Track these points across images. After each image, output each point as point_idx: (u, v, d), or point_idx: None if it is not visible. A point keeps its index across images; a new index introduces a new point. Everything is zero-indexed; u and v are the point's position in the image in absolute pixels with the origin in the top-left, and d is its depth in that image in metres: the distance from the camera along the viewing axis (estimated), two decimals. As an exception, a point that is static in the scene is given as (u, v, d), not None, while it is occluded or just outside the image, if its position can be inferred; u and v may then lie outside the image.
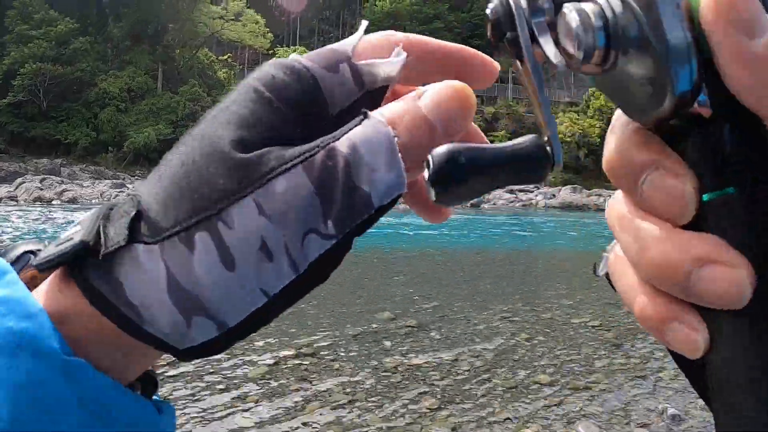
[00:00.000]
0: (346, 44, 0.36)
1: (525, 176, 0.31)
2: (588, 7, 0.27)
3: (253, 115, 0.32)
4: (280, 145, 0.32)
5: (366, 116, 0.32)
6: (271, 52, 54.21)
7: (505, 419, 3.91)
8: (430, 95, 0.33)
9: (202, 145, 0.32)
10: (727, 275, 0.25)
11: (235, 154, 0.31)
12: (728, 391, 0.26)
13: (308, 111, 0.33)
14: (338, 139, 0.31)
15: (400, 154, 0.31)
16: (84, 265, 0.31)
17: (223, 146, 0.31)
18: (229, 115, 0.32)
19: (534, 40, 0.29)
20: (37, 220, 16.91)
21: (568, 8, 0.27)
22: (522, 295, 7.66)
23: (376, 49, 0.36)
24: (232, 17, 55.40)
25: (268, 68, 0.34)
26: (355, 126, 0.32)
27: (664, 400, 4.21)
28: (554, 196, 32.22)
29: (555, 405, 4.15)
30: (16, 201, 23.68)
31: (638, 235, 0.28)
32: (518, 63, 0.30)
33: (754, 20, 0.23)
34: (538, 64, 0.29)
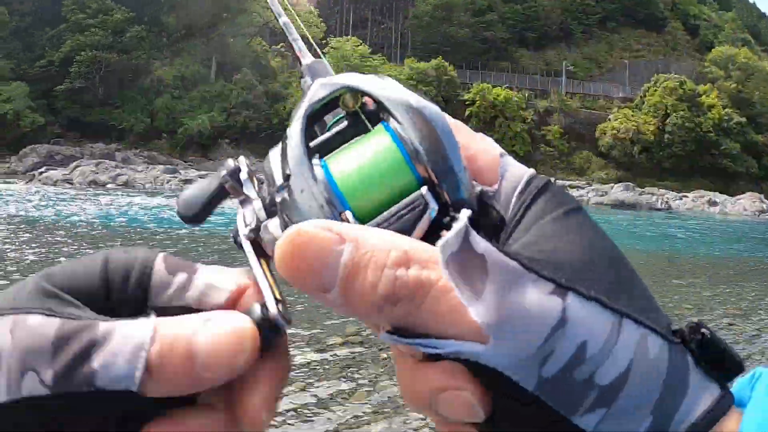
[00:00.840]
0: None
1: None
2: (271, 224, 0.33)
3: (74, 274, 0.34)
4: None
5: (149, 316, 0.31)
6: (324, 41, 54.41)
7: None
8: (210, 329, 0.31)
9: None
10: (457, 398, 0.28)
11: (41, 281, 0.33)
12: None
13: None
14: (108, 321, 0.31)
15: (144, 360, 0.29)
16: None
17: (40, 276, 0.33)
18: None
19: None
20: (91, 201, 17.23)
21: (263, 226, 0.33)
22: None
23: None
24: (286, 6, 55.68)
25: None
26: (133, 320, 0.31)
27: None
28: (606, 193, 31.54)
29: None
30: (72, 184, 24.25)
31: (397, 372, 0.33)
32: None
33: (321, 284, 0.28)
34: (262, 270, 0.33)
